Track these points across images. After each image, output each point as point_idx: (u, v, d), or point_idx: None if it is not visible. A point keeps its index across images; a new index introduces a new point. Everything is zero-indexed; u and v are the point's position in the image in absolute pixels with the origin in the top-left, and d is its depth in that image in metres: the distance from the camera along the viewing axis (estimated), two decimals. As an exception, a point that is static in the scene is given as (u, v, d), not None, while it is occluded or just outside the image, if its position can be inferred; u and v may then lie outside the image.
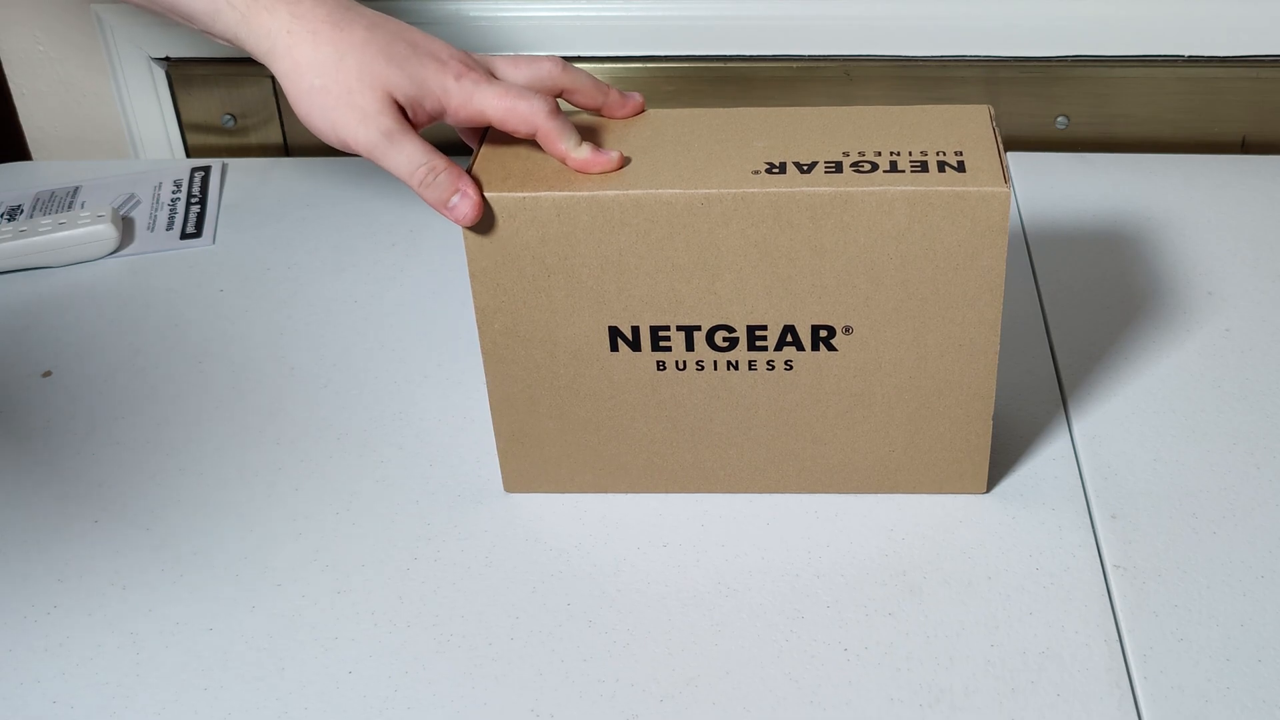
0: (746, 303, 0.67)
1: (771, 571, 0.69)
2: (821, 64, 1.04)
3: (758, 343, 0.68)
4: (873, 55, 1.04)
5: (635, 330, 0.68)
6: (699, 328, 0.68)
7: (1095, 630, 0.65)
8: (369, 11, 0.69)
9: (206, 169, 1.07)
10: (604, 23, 1.04)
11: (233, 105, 1.11)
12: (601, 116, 0.71)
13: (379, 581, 0.70)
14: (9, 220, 1.00)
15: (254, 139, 1.12)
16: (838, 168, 0.65)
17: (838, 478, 0.73)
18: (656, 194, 0.64)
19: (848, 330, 0.67)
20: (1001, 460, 0.75)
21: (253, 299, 0.93)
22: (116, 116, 1.12)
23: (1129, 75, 1.03)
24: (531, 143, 0.68)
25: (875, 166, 0.65)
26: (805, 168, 0.65)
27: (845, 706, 0.62)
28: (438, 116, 0.68)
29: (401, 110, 0.67)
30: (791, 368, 0.69)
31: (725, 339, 0.68)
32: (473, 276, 0.68)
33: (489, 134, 0.70)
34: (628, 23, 1.04)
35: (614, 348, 0.69)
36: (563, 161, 0.66)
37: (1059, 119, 1.05)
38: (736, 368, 0.69)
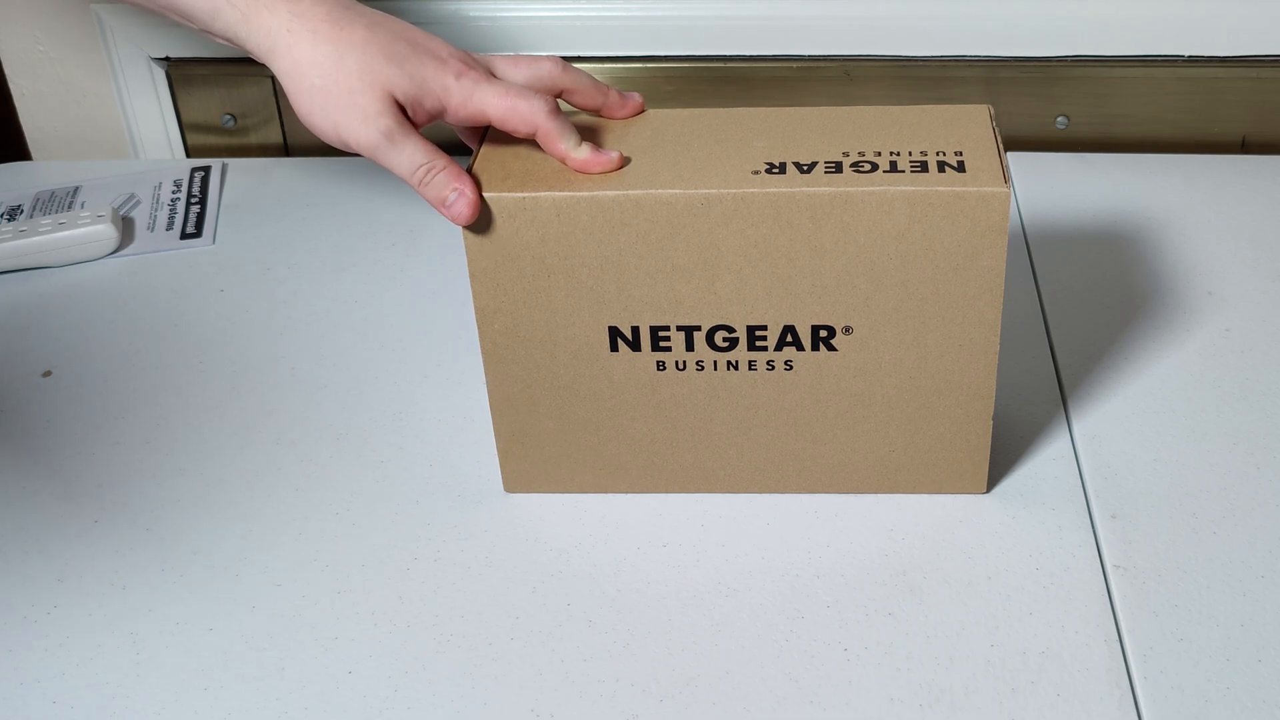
0: (746, 303, 0.67)
1: (771, 571, 0.69)
2: (821, 64, 1.04)
3: (758, 343, 0.68)
4: (873, 55, 1.04)
5: (635, 330, 0.68)
6: (699, 328, 0.68)
7: (1095, 630, 0.65)
8: (369, 10, 0.69)
9: (206, 169, 1.07)
10: (604, 23, 1.04)
11: (233, 105, 1.11)
12: (601, 117, 0.71)
13: (379, 581, 0.70)
14: (9, 220, 1.00)
15: (254, 139, 1.12)
16: (838, 168, 0.65)
17: (838, 478, 0.73)
18: (656, 194, 0.64)
19: (848, 330, 0.67)
20: (1001, 460, 0.75)
21: (253, 299, 0.93)
22: (116, 116, 1.12)
23: (1129, 75, 1.03)
24: (531, 143, 0.68)
25: (875, 166, 0.65)
26: (805, 168, 0.65)
27: (845, 706, 0.62)
28: (438, 115, 0.68)
29: (402, 109, 0.67)
30: (791, 368, 0.69)
31: (725, 339, 0.68)
32: (473, 276, 0.68)
33: (489, 134, 0.70)
34: (628, 23, 1.04)
35: (614, 348, 0.69)
36: (562, 161, 0.66)
37: (1059, 119, 1.05)
38: (736, 368, 0.69)
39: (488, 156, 0.68)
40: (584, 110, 0.71)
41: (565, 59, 0.71)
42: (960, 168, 0.64)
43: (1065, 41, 1.02)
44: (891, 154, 0.66)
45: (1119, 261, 0.92)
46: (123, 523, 0.74)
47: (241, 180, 1.07)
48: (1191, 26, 1.01)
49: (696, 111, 0.71)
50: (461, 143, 0.73)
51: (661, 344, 0.69)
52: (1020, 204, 0.98)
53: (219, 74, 1.09)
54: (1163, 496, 0.72)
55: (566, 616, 0.67)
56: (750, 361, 0.69)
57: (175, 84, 1.10)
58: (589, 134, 0.68)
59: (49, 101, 1.12)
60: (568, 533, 0.72)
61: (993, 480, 0.74)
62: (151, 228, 1.01)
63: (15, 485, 0.77)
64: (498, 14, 1.04)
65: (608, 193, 0.64)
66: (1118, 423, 0.78)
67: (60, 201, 1.02)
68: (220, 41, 0.71)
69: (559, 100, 0.69)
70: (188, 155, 1.14)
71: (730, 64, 1.05)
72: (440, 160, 0.66)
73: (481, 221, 0.66)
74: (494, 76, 0.69)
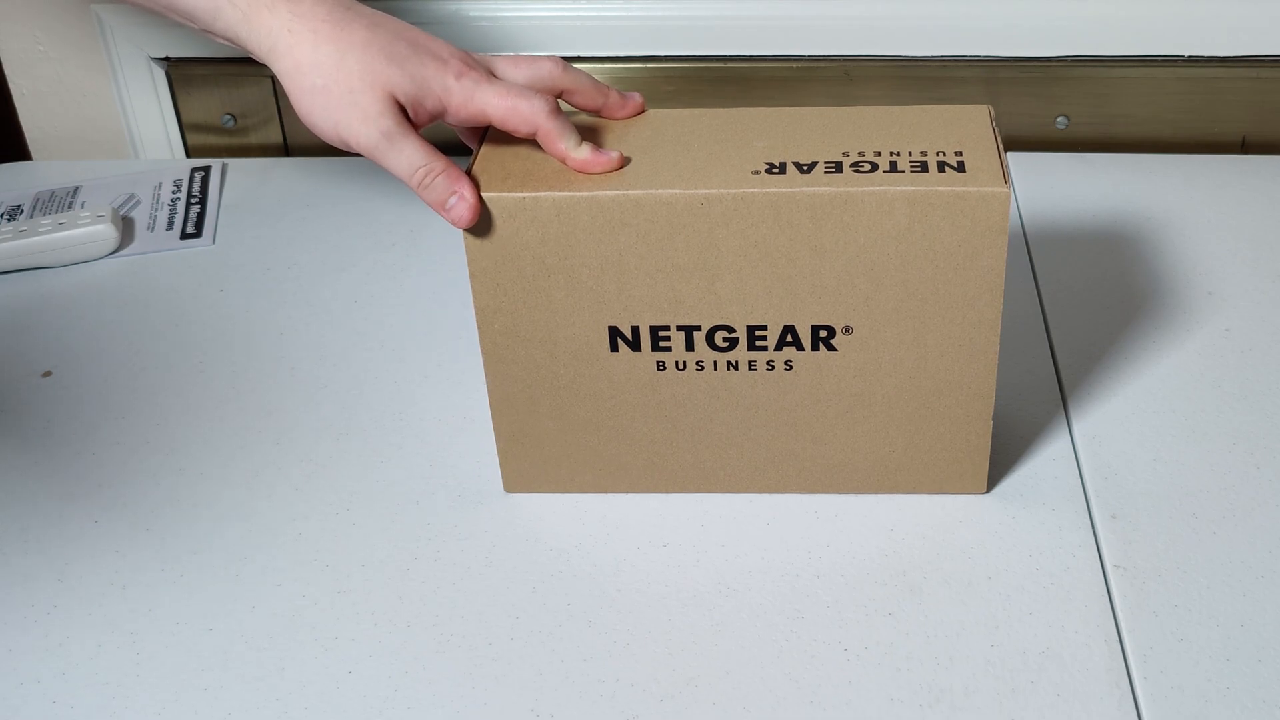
0: (746, 303, 0.67)
1: (771, 571, 0.69)
2: (821, 64, 1.04)
3: (758, 343, 0.68)
4: (873, 55, 1.04)
5: (635, 330, 0.68)
6: (699, 328, 0.68)
7: (1095, 630, 0.65)
8: (369, 10, 0.69)
9: (206, 169, 1.07)
10: (604, 23, 1.04)
11: (233, 105, 1.11)
12: (601, 117, 0.71)
13: (379, 581, 0.70)
14: (9, 220, 1.00)
15: (254, 139, 1.12)
16: (838, 168, 0.65)
17: (838, 478, 0.73)
18: (656, 194, 0.64)
19: (848, 330, 0.67)
20: (1001, 460, 0.75)
21: (253, 299, 0.93)
22: (116, 116, 1.12)
23: (1129, 75, 1.03)
24: (531, 143, 0.68)
25: (875, 166, 0.65)
26: (805, 168, 0.65)
27: (845, 706, 0.62)
28: (439, 116, 0.68)
29: (402, 110, 0.67)
30: (791, 368, 0.69)
31: (725, 339, 0.68)
32: (473, 276, 0.68)
33: (489, 134, 0.70)
34: (628, 23, 1.04)
35: (614, 348, 0.69)
36: (563, 161, 0.66)
37: (1059, 119, 1.05)
38: (736, 368, 0.69)
39: (488, 156, 0.68)
40: (584, 111, 0.71)
41: (565, 59, 0.71)
42: (960, 168, 0.64)
43: (1065, 41, 1.02)
44: (891, 154, 0.66)
45: (1119, 261, 0.92)
46: (123, 523, 0.74)
47: (241, 180, 1.07)
48: (1191, 26, 1.01)
49: (696, 111, 0.71)
50: (462, 143, 0.73)
51: (661, 344, 0.69)
52: (1020, 204, 0.98)
53: (219, 74, 1.09)
54: (1163, 496, 0.72)
55: (566, 616, 0.67)
56: (750, 361, 0.69)
57: (175, 84, 1.10)
58: (589, 134, 0.68)
59: (49, 101, 1.12)
60: (568, 533, 0.72)
61: (993, 480, 0.74)
62: (151, 228, 1.01)
63: (15, 485, 0.77)
64: (498, 14, 1.04)
65: (608, 193, 0.65)
66: (1118, 423, 0.78)
67: (60, 201, 1.02)
68: (221, 41, 0.71)
69: (559, 101, 0.69)
70: (188, 155, 1.14)
71: (730, 64, 1.05)
72: (439, 162, 0.66)
73: (481, 222, 0.66)
74: (494, 77, 0.69)
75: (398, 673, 0.65)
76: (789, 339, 0.68)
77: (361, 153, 0.67)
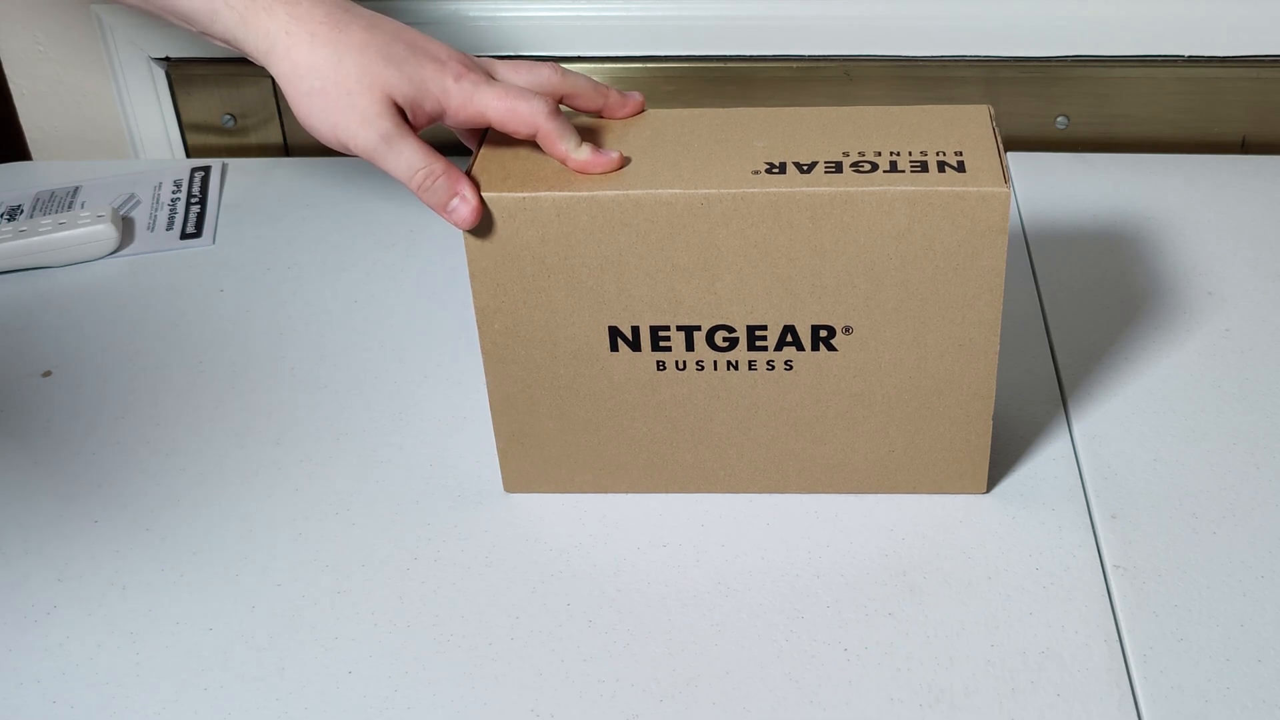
0: (746, 303, 0.67)
1: (771, 571, 0.69)
2: (821, 64, 1.04)
3: (758, 343, 0.68)
4: (873, 55, 1.04)
5: (635, 330, 0.68)
6: (699, 328, 0.68)
7: (1095, 630, 0.65)
8: (367, 12, 0.69)
9: (206, 169, 1.07)
10: (604, 23, 1.04)
11: (233, 105, 1.11)
12: (602, 118, 0.71)
13: (379, 581, 0.70)
14: (9, 220, 1.00)
15: (254, 139, 1.12)
16: (838, 168, 0.65)
17: (838, 478, 0.73)
18: (656, 194, 0.64)
19: (848, 330, 0.67)
20: (1001, 460, 0.75)
21: (253, 299, 0.93)
22: (116, 116, 1.12)
23: (1129, 75, 1.03)
24: (531, 143, 0.68)
25: (875, 166, 0.65)
26: (805, 168, 0.65)
27: (845, 706, 0.62)
28: (437, 118, 0.68)
29: (401, 112, 0.66)
30: (791, 368, 0.69)
31: (725, 339, 0.68)
32: (473, 276, 0.68)
33: (488, 135, 0.70)
34: (628, 23, 1.04)
35: (614, 348, 0.69)
36: (563, 162, 0.66)
37: (1059, 119, 1.05)
38: (736, 368, 0.69)
39: (487, 157, 0.68)
40: (585, 113, 0.71)
41: (565, 60, 0.72)
42: (960, 168, 0.64)
43: (1065, 41, 1.02)
44: (891, 154, 0.66)
45: (1119, 261, 0.92)
46: (123, 523, 0.74)
47: (241, 180, 1.07)
48: (1191, 26, 1.01)
49: (696, 111, 0.71)
50: (461, 144, 0.73)
51: (661, 344, 0.69)
52: (1020, 204, 0.98)
53: (219, 74, 1.09)
54: (1163, 496, 0.72)
55: (566, 616, 0.67)
56: (750, 361, 0.69)
57: (175, 84, 1.10)
58: (589, 134, 0.68)
59: (49, 101, 1.12)
60: (568, 533, 0.72)
61: (993, 480, 0.74)
62: (151, 228, 1.01)
63: (15, 485, 0.77)
64: (497, 14, 1.04)
65: (608, 193, 0.64)
66: (1118, 423, 0.78)
67: (60, 201, 1.02)
68: (219, 44, 0.71)
69: (559, 104, 0.69)
70: (188, 155, 1.14)
71: (730, 64, 1.05)
72: (438, 164, 0.66)
73: (482, 222, 0.66)
74: (493, 79, 0.68)
75: (398, 673, 0.65)
76: (789, 339, 0.68)
77: (360, 155, 0.67)
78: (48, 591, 0.70)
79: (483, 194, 0.65)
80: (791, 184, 0.64)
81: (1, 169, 1.10)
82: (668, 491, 0.74)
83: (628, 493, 0.74)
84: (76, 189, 1.05)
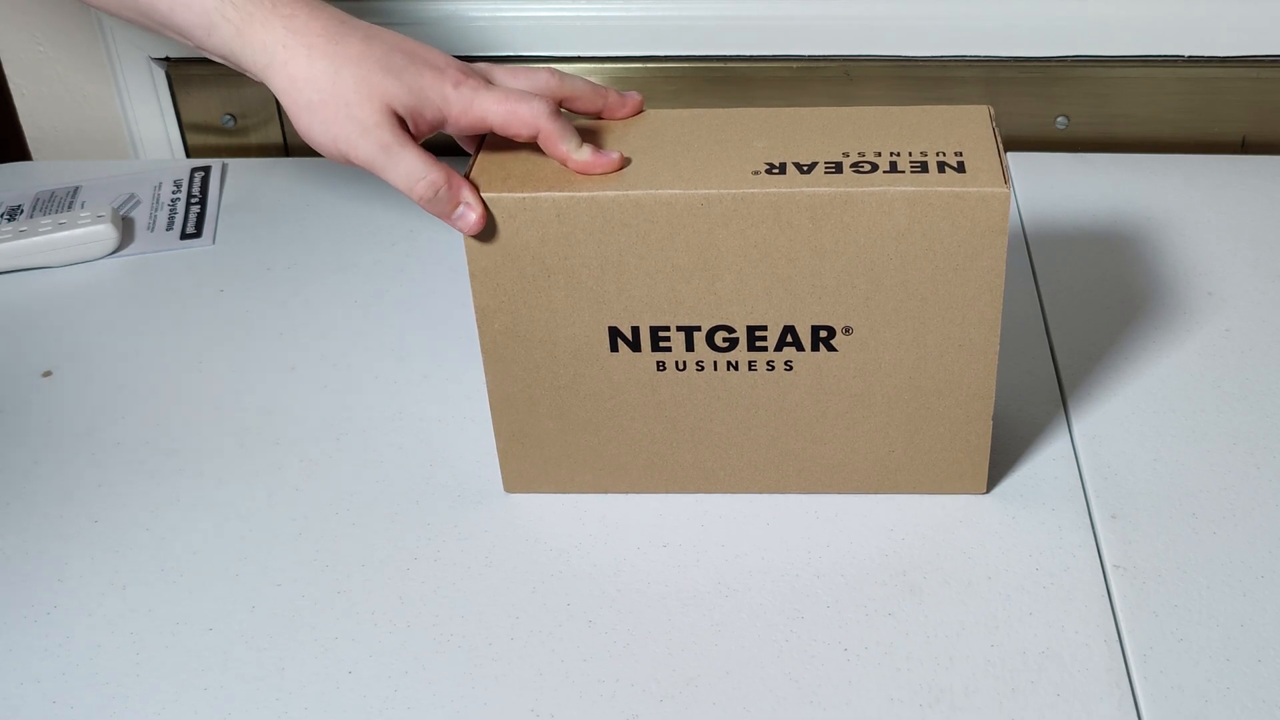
0: (746, 303, 0.67)
1: (771, 571, 0.69)
2: (821, 64, 1.04)
3: (758, 343, 0.68)
4: (873, 55, 1.04)
5: (635, 330, 0.68)
6: (699, 328, 0.68)
7: (1095, 630, 0.65)
8: (364, 24, 0.68)
9: (206, 169, 1.07)
10: (603, 23, 1.04)
11: (233, 105, 1.11)
12: (602, 118, 0.71)
13: (379, 581, 0.70)
14: (9, 220, 1.00)
15: (254, 139, 1.12)
16: (838, 168, 0.65)
17: (838, 478, 0.73)
18: (656, 194, 0.64)
19: (848, 330, 0.67)
20: (1001, 460, 0.75)
21: (253, 299, 0.93)
22: (116, 116, 1.12)
23: (1129, 75, 1.03)
24: (531, 145, 0.68)
25: (875, 167, 0.65)
26: (805, 168, 0.65)
27: (845, 706, 0.62)
28: (438, 126, 0.68)
29: (401, 122, 0.66)
30: (791, 368, 0.69)
31: (725, 339, 0.68)
32: (473, 276, 0.68)
33: (488, 137, 0.70)
34: (627, 23, 1.04)
35: (614, 348, 0.69)
36: (564, 163, 0.66)
37: (1059, 119, 1.05)
38: (736, 368, 0.69)
39: (487, 158, 0.68)
40: (585, 115, 0.71)
41: (565, 60, 0.71)
42: (960, 168, 0.64)
43: (1065, 41, 1.02)
44: (891, 154, 0.66)
45: (1119, 261, 0.92)
46: (123, 523, 0.74)
47: (241, 180, 1.07)
48: (1191, 26, 1.01)
49: (696, 111, 0.71)
50: (460, 146, 0.73)
51: (661, 344, 0.69)
52: (1020, 204, 0.98)
53: (219, 74, 1.09)
54: (1163, 496, 0.72)
55: (566, 616, 0.67)
56: (750, 362, 0.69)
57: (175, 84, 1.10)
58: (588, 135, 0.68)
59: (49, 101, 1.12)
60: (568, 533, 0.72)
61: (993, 480, 0.74)
62: (151, 228, 1.01)
63: (15, 485, 0.77)
64: (497, 14, 1.04)
65: (608, 193, 0.65)
66: (1118, 423, 0.78)
67: (60, 201, 1.02)
68: (216, 58, 0.70)
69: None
70: (188, 155, 1.14)
71: (730, 64, 1.05)
72: (439, 175, 0.65)
73: (482, 222, 0.66)
74: (491, 84, 0.68)
75: (398, 673, 0.65)
76: (789, 339, 0.68)
77: (361, 166, 0.67)
78: (48, 591, 0.70)
79: (483, 195, 0.65)
80: (791, 184, 0.64)
81: (1, 169, 1.10)
82: (668, 491, 0.74)
83: (628, 493, 0.74)
84: (76, 189, 1.05)
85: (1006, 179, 0.63)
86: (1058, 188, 1.00)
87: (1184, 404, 0.79)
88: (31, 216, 1.00)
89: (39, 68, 1.10)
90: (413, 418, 0.81)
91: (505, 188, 0.65)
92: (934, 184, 0.63)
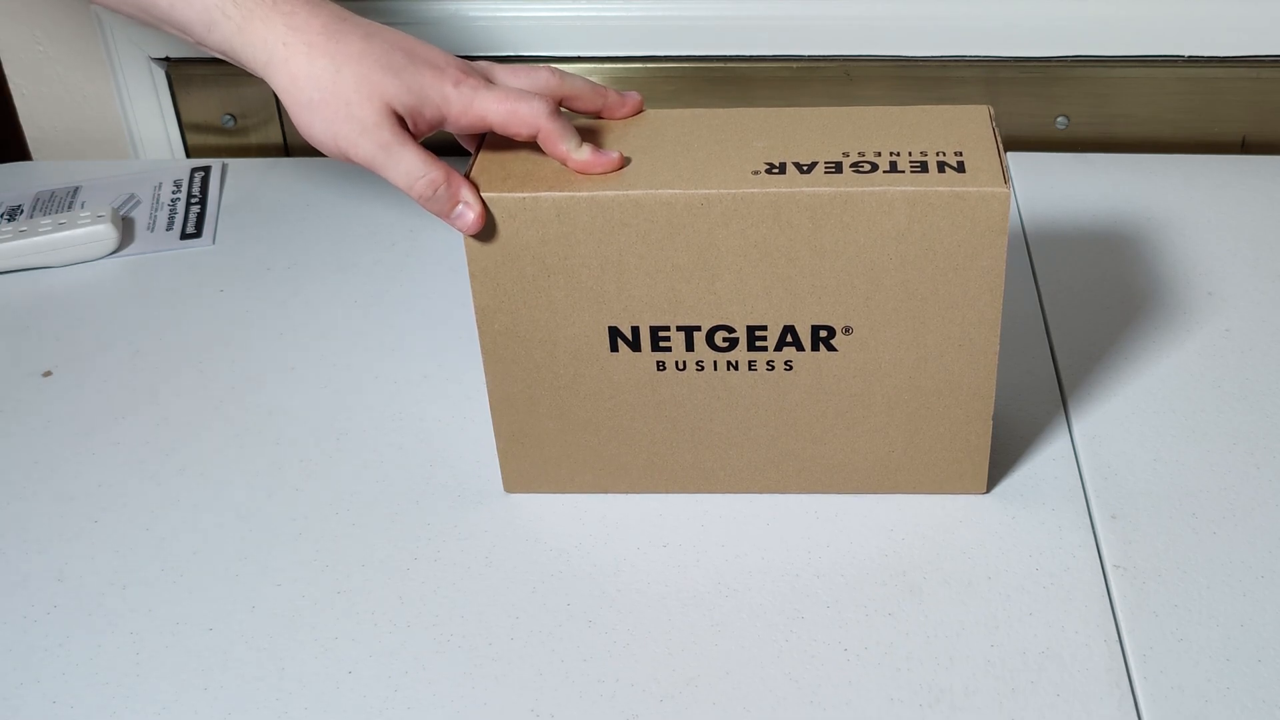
0: (746, 303, 0.67)
1: (771, 571, 0.69)
2: (821, 64, 1.04)
3: (757, 343, 0.68)
4: (873, 55, 1.04)
5: (635, 330, 0.68)
6: (699, 328, 0.68)
7: (1095, 630, 0.65)
8: (365, 22, 0.68)
9: (206, 169, 1.07)
10: (603, 23, 1.04)
11: (233, 105, 1.11)
12: (602, 118, 0.71)
13: (379, 581, 0.70)
14: (9, 220, 1.00)
15: (254, 139, 1.12)
16: (837, 168, 0.65)
17: (838, 478, 0.73)
18: (656, 194, 0.64)
19: (847, 330, 0.67)
20: (1001, 460, 0.75)
21: (253, 299, 0.93)
22: (116, 116, 1.12)
23: (1129, 75, 1.03)
24: (531, 144, 0.68)
25: (875, 167, 0.65)
26: (805, 168, 0.65)
27: (845, 706, 0.62)
28: (438, 125, 0.68)
29: (401, 120, 0.66)
30: (791, 368, 0.69)
31: (725, 339, 0.68)
32: (473, 276, 0.68)
33: (488, 136, 0.70)
34: (627, 23, 1.04)
35: (614, 348, 0.69)
36: (564, 163, 0.66)
37: (1059, 119, 1.05)
38: (736, 368, 0.69)
39: (487, 158, 0.68)
40: (585, 114, 0.71)
41: (565, 60, 0.71)
42: (960, 168, 0.64)
43: (1065, 41, 1.02)
44: (891, 154, 0.66)
45: (1119, 261, 0.92)
46: (123, 523, 0.74)
47: (241, 180, 1.07)
48: (1191, 26, 1.01)
49: (696, 111, 0.71)
50: (460, 145, 0.73)
51: (661, 344, 0.69)
52: (1020, 204, 0.98)
53: (219, 74, 1.09)
54: (1163, 496, 0.72)
55: (566, 616, 0.67)
56: (750, 361, 0.69)
57: (175, 84, 1.10)
58: (588, 135, 0.68)
59: (49, 101, 1.12)
60: (568, 533, 0.72)
61: (993, 480, 0.74)
62: (151, 228, 1.01)
63: (15, 485, 0.77)
64: (497, 14, 1.04)
65: (608, 193, 0.65)
66: (1118, 423, 0.78)
67: (60, 201, 1.02)
68: (216, 55, 0.70)
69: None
70: (188, 155, 1.14)
71: (730, 64, 1.05)
72: (439, 173, 0.65)
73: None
74: (491, 83, 0.68)
75: (398, 673, 0.65)
76: (789, 339, 0.68)
77: (361, 164, 0.67)
78: (48, 591, 0.70)
79: (483, 195, 0.65)
80: (791, 184, 0.64)
81: (1, 169, 1.10)
82: (668, 491, 0.74)
83: (628, 493, 0.74)
84: (76, 189, 1.05)
85: (1006, 179, 0.63)
86: (1058, 188, 1.00)
87: (1184, 404, 0.79)
88: (31, 216, 1.00)
89: (39, 68, 1.10)
90: (413, 418, 0.81)
91: (505, 187, 0.65)
92: (934, 184, 0.63)
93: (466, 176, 0.66)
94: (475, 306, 0.68)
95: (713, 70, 1.05)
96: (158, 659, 0.66)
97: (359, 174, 1.06)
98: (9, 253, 0.96)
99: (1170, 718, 0.61)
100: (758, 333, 0.68)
